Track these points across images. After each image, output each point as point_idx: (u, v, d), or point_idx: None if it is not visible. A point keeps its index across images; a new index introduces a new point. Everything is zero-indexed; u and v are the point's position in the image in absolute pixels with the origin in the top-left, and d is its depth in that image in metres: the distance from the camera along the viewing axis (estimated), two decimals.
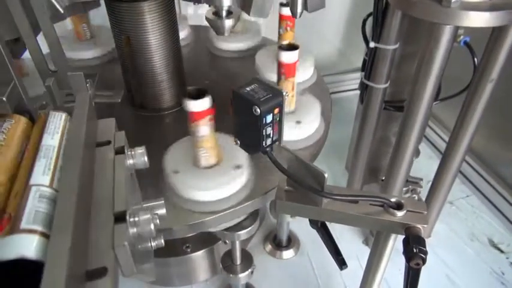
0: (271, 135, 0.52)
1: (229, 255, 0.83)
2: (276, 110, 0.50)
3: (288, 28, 0.82)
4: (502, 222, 1.17)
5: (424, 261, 0.50)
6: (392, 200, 0.54)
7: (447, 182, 0.96)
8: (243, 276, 0.82)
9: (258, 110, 0.48)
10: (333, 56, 1.64)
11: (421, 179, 1.03)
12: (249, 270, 0.82)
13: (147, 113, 0.79)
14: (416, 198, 1.00)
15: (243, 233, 0.68)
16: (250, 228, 0.68)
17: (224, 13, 0.52)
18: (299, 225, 1.11)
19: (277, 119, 0.51)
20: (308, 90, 0.84)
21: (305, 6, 0.69)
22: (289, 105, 0.73)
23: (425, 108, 0.78)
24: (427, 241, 0.52)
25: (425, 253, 0.50)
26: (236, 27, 0.98)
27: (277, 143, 0.54)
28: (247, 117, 0.50)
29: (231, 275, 0.82)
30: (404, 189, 0.97)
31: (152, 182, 0.62)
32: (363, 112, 0.98)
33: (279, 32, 0.85)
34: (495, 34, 0.72)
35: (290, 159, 0.55)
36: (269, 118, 0.50)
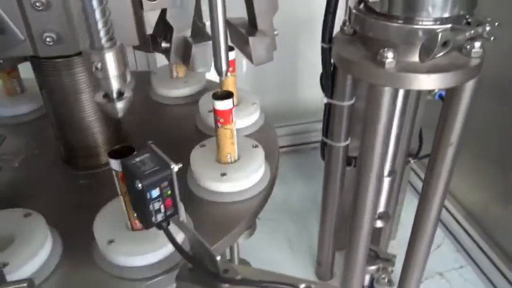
0: (162, 210, 0.52)
1: None
2: (165, 184, 0.51)
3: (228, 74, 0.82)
4: None
5: None
6: (301, 286, 0.52)
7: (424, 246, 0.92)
8: None
9: (140, 185, 0.49)
10: (313, 102, 1.64)
11: (395, 256, 0.99)
12: None
13: (79, 172, 0.79)
14: (386, 279, 0.96)
15: None
16: None
17: (115, 95, 0.51)
18: None
19: (168, 192, 0.52)
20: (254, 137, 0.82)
21: (251, 60, 0.72)
22: (231, 154, 0.73)
23: (377, 168, 0.77)
24: None
25: None
26: (179, 72, 1.00)
27: (176, 216, 0.55)
28: (135, 190, 0.51)
29: None
30: (373, 267, 0.95)
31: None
32: (325, 170, 0.98)
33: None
34: (448, 96, 0.72)
35: (190, 236, 0.54)
36: (155, 193, 0.50)
